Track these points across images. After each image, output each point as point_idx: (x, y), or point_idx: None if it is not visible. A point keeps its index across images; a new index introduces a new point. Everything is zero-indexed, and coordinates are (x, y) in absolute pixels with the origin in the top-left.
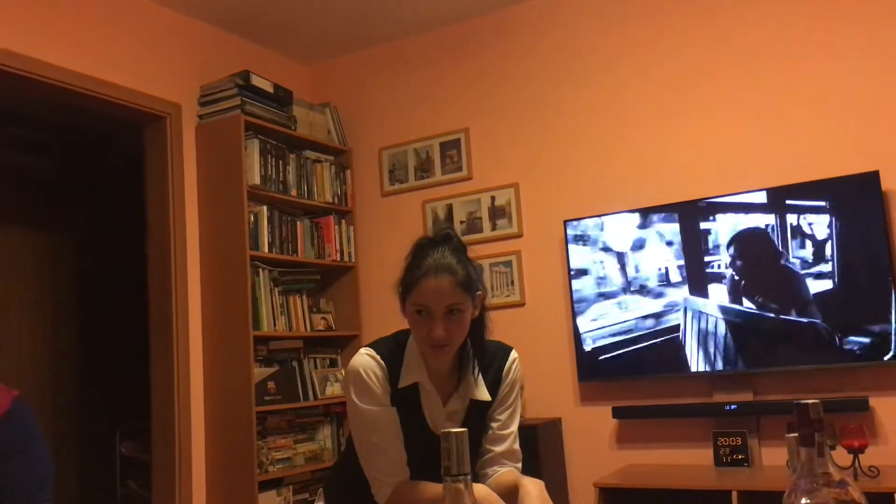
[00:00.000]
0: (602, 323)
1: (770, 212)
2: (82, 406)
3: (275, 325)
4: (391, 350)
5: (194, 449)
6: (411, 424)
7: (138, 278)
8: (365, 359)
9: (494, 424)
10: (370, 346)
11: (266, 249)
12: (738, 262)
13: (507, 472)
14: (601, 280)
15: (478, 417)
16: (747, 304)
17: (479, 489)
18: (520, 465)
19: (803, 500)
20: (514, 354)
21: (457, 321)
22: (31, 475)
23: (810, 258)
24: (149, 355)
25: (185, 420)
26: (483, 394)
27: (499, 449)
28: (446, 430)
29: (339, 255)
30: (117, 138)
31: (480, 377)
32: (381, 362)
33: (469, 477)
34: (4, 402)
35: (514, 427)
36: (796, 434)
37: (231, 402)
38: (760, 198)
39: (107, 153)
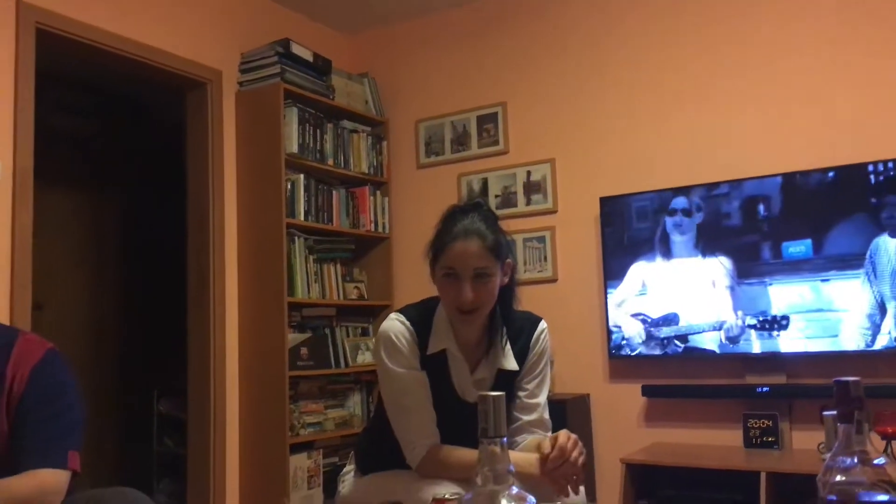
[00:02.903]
0: (634, 300)
1: (811, 193)
2: (122, 365)
3: (309, 292)
4: (420, 316)
5: (228, 410)
6: (439, 391)
7: (178, 241)
8: (395, 323)
9: (522, 394)
10: (400, 311)
11: (302, 218)
12: (776, 243)
13: (536, 438)
14: (635, 258)
15: (505, 386)
16: (782, 286)
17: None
18: (549, 433)
19: (838, 478)
20: (543, 325)
21: (485, 285)
22: (60, 424)
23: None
24: (186, 317)
25: (221, 382)
26: (511, 363)
27: (528, 418)
28: (484, 392)
29: (373, 225)
30: (158, 103)
31: (509, 346)
32: (411, 328)
33: (505, 439)
34: (38, 352)
35: (543, 397)
36: (834, 412)
37: (265, 366)
38: (800, 178)
39: (148, 118)
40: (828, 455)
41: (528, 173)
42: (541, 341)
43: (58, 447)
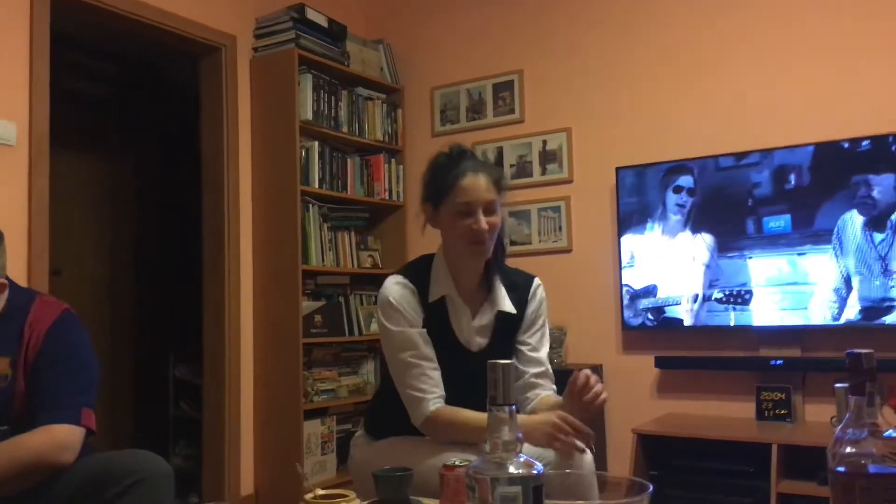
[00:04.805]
0: (649, 271)
1: (834, 166)
2: (139, 329)
3: (323, 260)
4: (418, 270)
5: (243, 376)
6: (443, 341)
7: (194, 207)
8: (392, 286)
9: (526, 348)
10: (397, 272)
11: (316, 185)
12: (793, 216)
13: (547, 396)
14: (651, 229)
15: (506, 330)
16: (802, 258)
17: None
18: (555, 386)
19: (848, 449)
20: (538, 280)
21: (494, 216)
22: (74, 381)
23: (872, 213)
24: (202, 283)
25: (235, 348)
26: (510, 307)
27: (534, 371)
28: (493, 360)
29: (387, 193)
30: (175, 68)
31: (505, 292)
32: (410, 284)
33: (514, 407)
34: (54, 313)
35: (546, 349)
36: (846, 385)
37: (279, 333)
38: (824, 150)
39: (164, 82)
40: (839, 427)
41: (544, 142)
42: (538, 294)
43: (71, 403)
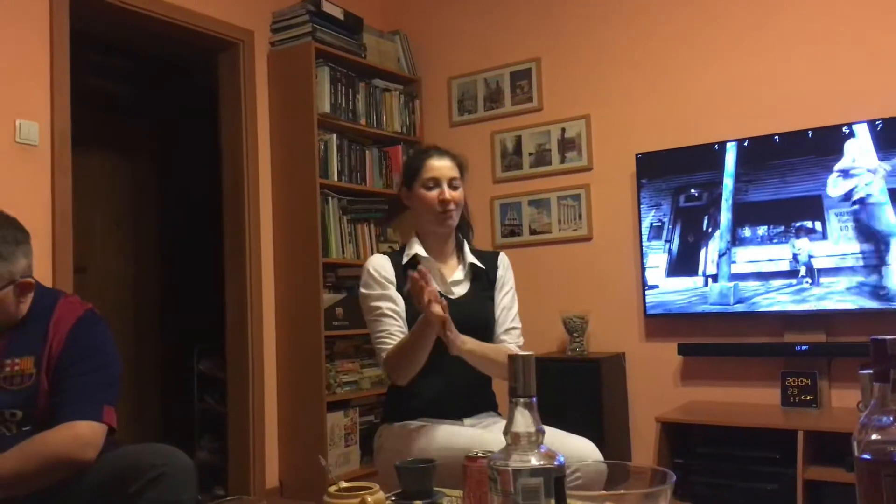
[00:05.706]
0: (671, 258)
1: (850, 150)
2: (162, 325)
3: (343, 252)
4: (395, 251)
5: (266, 370)
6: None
7: (215, 202)
8: (372, 258)
9: (499, 309)
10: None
11: (335, 178)
12: (819, 197)
13: (505, 346)
14: (672, 216)
15: (482, 283)
16: (828, 242)
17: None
18: (520, 341)
19: (873, 436)
20: (503, 253)
21: (458, 191)
22: (95, 379)
23: None
24: (224, 278)
25: (258, 342)
26: (478, 262)
27: (503, 329)
28: (513, 353)
29: None
30: (194, 65)
31: (473, 255)
32: (386, 255)
33: (535, 399)
34: (77, 313)
35: (515, 308)
36: (870, 371)
37: (301, 326)
38: (847, 132)
39: (184, 79)
40: (864, 414)
41: (563, 130)
42: (506, 261)
43: (93, 401)
